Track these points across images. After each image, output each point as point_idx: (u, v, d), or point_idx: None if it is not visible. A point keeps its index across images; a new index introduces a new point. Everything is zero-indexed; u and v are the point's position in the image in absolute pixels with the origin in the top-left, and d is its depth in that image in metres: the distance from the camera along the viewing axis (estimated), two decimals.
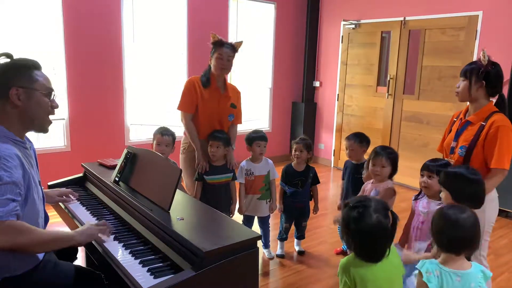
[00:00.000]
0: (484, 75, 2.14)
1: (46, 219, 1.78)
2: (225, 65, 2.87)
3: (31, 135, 1.73)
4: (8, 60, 1.63)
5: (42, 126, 1.68)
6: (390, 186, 2.53)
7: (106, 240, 1.75)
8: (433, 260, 1.60)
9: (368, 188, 2.62)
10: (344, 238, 1.61)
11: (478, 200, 1.95)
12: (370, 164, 2.58)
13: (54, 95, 1.68)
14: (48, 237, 1.52)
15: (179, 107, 2.95)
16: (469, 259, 1.66)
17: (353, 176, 3.12)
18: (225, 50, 2.85)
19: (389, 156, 2.53)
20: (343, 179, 3.29)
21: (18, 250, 1.46)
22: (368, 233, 1.50)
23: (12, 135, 1.58)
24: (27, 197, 1.55)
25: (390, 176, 2.60)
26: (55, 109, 1.68)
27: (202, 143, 2.95)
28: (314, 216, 3.40)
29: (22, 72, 1.60)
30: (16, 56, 1.66)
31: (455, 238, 1.56)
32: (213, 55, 2.88)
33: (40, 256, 1.65)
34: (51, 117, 1.70)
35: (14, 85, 1.56)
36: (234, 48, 2.90)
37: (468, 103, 2.31)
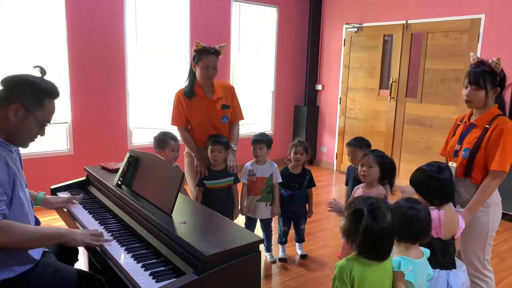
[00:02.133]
0: (498, 82, 2.13)
1: (37, 223, 1.78)
2: (211, 74, 2.82)
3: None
4: (38, 75, 1.64)
5: (22, 145, 1.69)
6: (382, 192, 2.49)
7: (109, 244, 1.75)
8: (399, 258, 1.66)
9: (359, 193, 2.59)
10: (349, 239, 1.60)
11: (443, 197, 1.99)
12: (359, 167, 2.57)
13: (47, 124, 1.70)
14: (37, 235, 1.52)
15: (172, 122, 2.99)
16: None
17: (356, 181, 3.09)
18: (210, 58, 2.78)
19: (376, 157, 2.51)
20: (346, 185, 3.24)
21: (9, 248, 1.45)
22: (381, 233, 1.52)
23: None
24: (13, 197, 1.54)
25: (390, 182, 2.56)
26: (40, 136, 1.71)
27: (201, 150, 2.94)
28: (316, 219, 3.40)
29: (34, 94, 1.60)
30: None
31: (413, 231, 1.71)
32: (197, 63, 2.81)
33: (37, 256, 1.65)
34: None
35: (19, 100, 1.56)
36: (218, 53, 2.84)
37: None
